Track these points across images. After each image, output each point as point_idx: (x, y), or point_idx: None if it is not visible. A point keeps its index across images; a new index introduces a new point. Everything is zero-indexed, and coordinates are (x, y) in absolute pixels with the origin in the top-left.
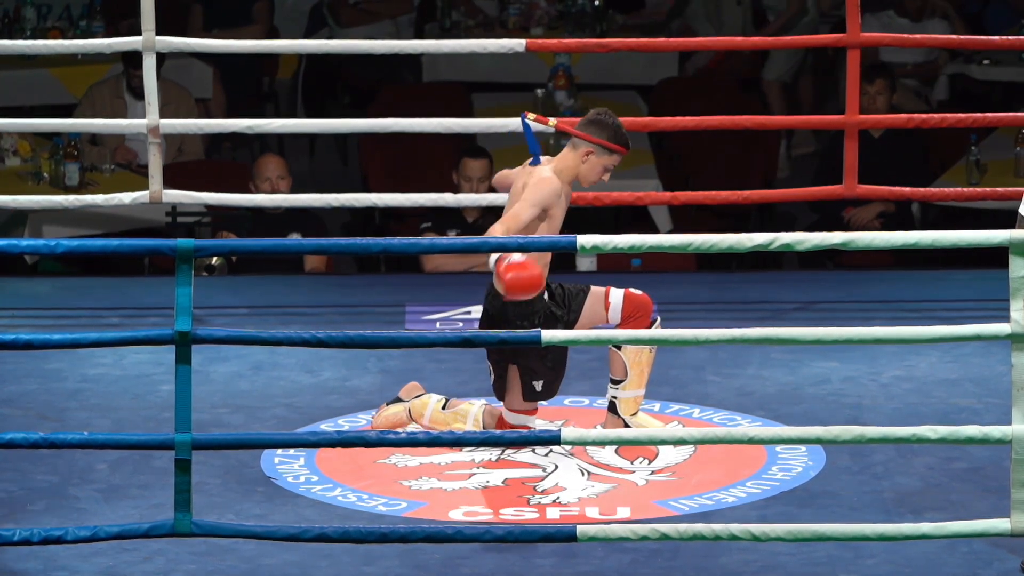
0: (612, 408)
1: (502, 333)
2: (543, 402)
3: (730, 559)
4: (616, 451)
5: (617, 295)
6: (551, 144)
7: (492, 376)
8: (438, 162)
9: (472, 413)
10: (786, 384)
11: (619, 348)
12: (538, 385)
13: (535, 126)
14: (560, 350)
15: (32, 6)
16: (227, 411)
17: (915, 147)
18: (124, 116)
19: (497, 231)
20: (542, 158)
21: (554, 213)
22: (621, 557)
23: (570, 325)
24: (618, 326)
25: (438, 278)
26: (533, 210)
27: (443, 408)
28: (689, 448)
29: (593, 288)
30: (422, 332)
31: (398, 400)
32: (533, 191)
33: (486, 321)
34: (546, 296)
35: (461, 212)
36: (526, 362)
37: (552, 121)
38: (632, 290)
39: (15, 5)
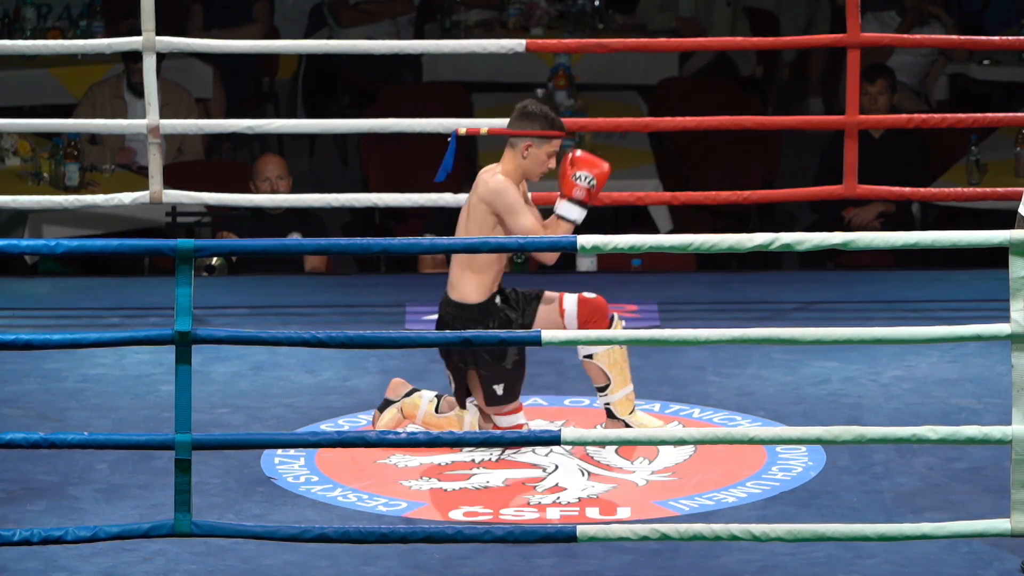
0: (610, 414)
1: (502, 333)
2: (543, 402)
3: (730, 559)
4: (616, 451)
5: (571, 301)
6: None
7: (452, 384)
8: (438, 162)
9: (467, 421)
10: (786, 384)
11: (590, 357)
12: (499, 389)
13: (469, 137)
14: (519, 351)
15: (32, 6)
16: (227, 411)
17: (915, 147)
18: (124, 116)
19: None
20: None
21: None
22: (621, 557)
23: (525, 328)
24: None
25: (439, 278)
26: (528, 214)
27: (436, 410)
28: (689, 448)
29: (546, 294)
30: (422, 332)
31: (387, 403)
32: (503, 201)
33: (441, 327)
34: (499, 300)
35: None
36: (486, 367)
37: (483, 129)
38: (586, 294)
39: (15, 5)
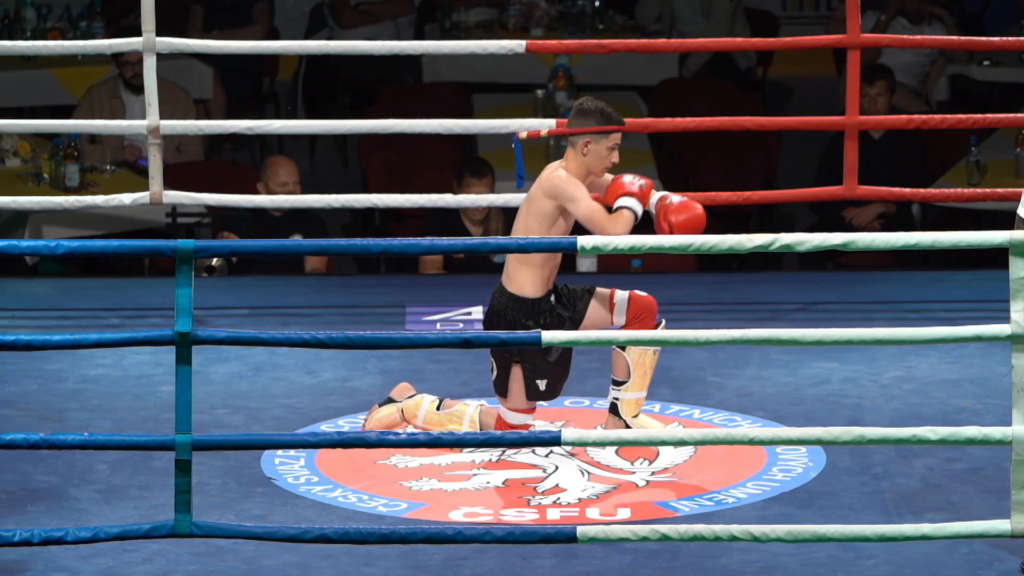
0: (614, 410)
1: (502, 334)
2: (543, 403)
3: (730, 560)
4: (616, 452)
5: (622, 296)
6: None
7: (494, 372)
8: (438, 163)
9: (468, 414)
10: (786, 385)
11: (623, 349)
12: (542, 384)
13: (529, 141)
14: (566, 349)
15: (32, 7)
16: (227, 412)
17: (915, 148)
18: (123, 117)
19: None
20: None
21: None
22: (621, 558)
23: (576, 325)
24: (623, 328)
25: (438, 279)
26: (589, 200)
27: (437, 409)
28: (689, 449)
29: (598, 289)
30: (422, 333)
31: (390, 401)
32: (565, 190)
33: (492, 318)
34: (552, 298)
35: (467, 230)
36: (531, 360)
37: (544, 131)
38: (637, 292)
39: (15, 6)
